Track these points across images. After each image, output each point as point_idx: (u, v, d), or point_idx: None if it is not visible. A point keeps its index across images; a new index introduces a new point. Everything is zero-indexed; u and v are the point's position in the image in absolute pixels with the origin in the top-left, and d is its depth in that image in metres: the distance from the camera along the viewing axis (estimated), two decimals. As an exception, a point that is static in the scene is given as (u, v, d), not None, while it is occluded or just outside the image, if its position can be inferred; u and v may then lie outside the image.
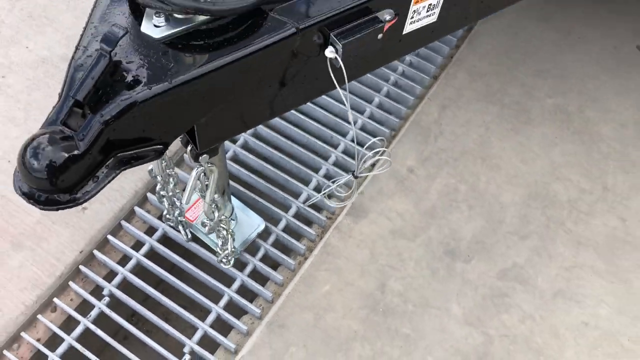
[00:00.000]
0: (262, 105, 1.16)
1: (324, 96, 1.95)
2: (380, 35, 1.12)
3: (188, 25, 0.97)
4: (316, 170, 1.81)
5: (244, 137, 1.86)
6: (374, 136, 1.89)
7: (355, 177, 1.28)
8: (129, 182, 1.74)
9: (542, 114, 2.00)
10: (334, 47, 1.07)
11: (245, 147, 1.86)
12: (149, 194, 1.72)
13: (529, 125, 1.97)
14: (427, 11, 1.20)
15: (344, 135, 1.89)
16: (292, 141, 1.87)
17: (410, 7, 1.16)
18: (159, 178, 1.40)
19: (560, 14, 2.24)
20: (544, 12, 2.25)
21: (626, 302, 1.64)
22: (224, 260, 1.55)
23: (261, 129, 1.89)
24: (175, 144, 1.71)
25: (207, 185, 1.25)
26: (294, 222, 1.71)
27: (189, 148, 1.15)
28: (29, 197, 0.90)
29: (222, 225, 1.40)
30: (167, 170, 1.41)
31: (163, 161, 1.35)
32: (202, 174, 1.20)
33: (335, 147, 1.87)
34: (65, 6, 2.11)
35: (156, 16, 0.96)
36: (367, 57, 1.19)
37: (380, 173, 1.79)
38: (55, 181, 0.88)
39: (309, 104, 1.93)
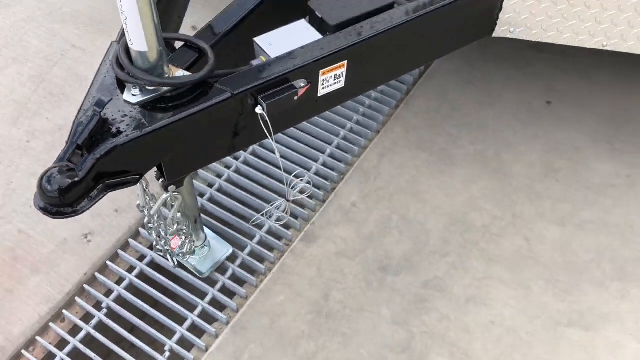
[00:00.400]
0: (215, 148, 1.57)
1: (284, 147, 2.38)
2: (296, 98, 1.53)
3: (155, 94, 1.39)
4: (276, 207, 2.20)
5: (219, 182, 2.27)
6: (326, 180, 2.30)
7: (288, 201, 1.67)
8: (124, 219, 2.13)
9: (465, 158, 2.39)
10: (261, 106, 1.49)
11: (220, 190, 2.27)
12: (140, 229, 2.11)
13: (453, 167, 2.36)
14: (335, 79, 1.62)
15: (298, 177, 2.29)
16: (257, 184, 2.27)
17: (320, 77, 1.58)
18: (145, 212, 1.80)
19: (484, 78, 2.68)
20: (470, 77, 2.68)
21: (526, 305, 1.97)
22: (181, 254, 1.91)
23: (232, 174, 2.29)
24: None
25: (172, 206, 1.65)
26: (257, 248, 2.09)
27: (160, 180, 1.55)
28: (45, 210, 1.30)
29: (182, 230, 1.79)
30: (148, 205, 1.80)
31: (147, 196, 1.75)
32: (169, 199, 1.61)
33: (292, 188, 2.26)
34: (78, 85, 2.58)
35: (133, 88, 1.38)
36: (289, 114, 1.60)
37: (327, 206, 2.18)
38: (62, 199, 1.27)
39: (269, 153, 2.34)
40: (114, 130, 1.34)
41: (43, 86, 2.59)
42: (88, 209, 1.31)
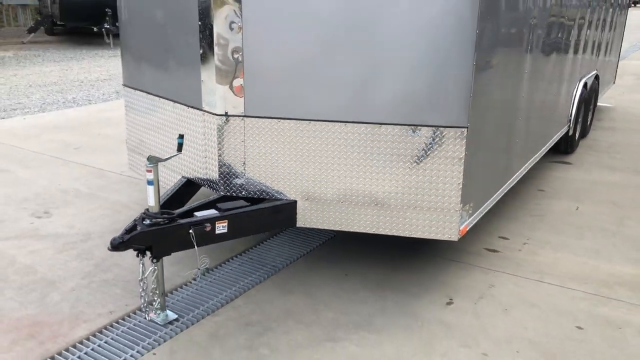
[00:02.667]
0: (175, 244, 3.90)
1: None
2: (206, 229, 3.96)
3: (155, 221, 3.84)
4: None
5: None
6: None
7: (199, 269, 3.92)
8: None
9: (280, 313, 4.60)
10: (192, 230, 3.90)
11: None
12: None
13: (273, 327, 4.56)
14: (222, 227, 4.06)
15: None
16: (194, 299, 4.46)
17: (216, 225, 4.03)
18: (141, 284, 3.98)
19: (298, 286, 5.06)
20: (289, 287, 5.06)
21: None
22: (154, 311, 3.99)
23: (183, 295, 4.49)
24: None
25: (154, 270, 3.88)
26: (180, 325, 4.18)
27: (151, 258, 3.84)
28: (111, 249, 3.61)
29: (156, 292, 3.95)
30: (144, 278, 3.99)
31: (144, 275, 3.96)
32: (155, 267, 3.86)
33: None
34: (114, 261, 4.94)
35: (145, 219, 3.84)
36: (204, 237, 3.99)
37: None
38: (117, 247, 3.60)
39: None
40: (138, 230, 3.75)
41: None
42: (124, 250, 3.65)
